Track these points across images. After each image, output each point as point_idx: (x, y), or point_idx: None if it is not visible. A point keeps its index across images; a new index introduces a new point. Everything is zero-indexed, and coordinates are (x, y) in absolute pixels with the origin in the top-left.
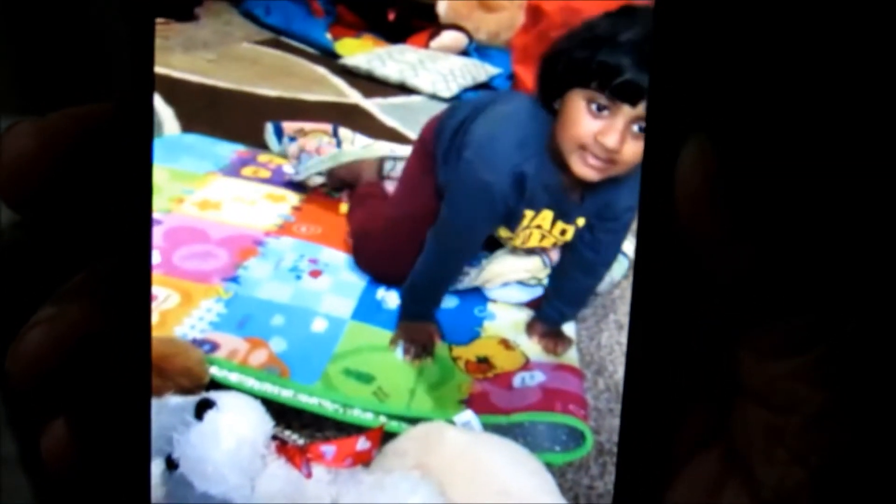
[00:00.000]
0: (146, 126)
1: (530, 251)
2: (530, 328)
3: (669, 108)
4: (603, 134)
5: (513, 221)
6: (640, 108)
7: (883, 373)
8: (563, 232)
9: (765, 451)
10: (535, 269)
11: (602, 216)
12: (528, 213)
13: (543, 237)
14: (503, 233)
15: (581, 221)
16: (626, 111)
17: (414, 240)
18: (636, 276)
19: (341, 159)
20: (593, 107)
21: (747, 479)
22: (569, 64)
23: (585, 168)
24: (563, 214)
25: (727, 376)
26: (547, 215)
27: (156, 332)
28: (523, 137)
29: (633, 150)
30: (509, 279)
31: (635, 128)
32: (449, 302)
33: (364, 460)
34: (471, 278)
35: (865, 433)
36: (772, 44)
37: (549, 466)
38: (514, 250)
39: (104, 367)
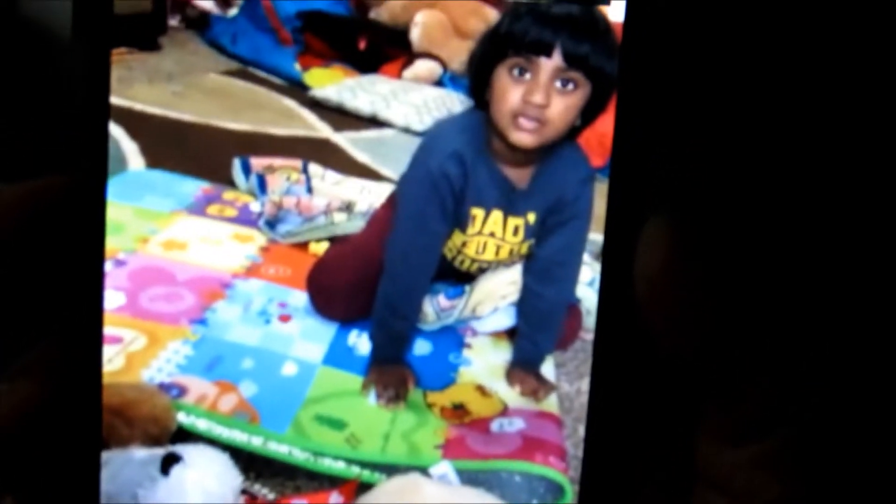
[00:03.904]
0: (99, 203)
1: (508, 265)
2: (510, 376)
3: (630, 191)
4: (529, 93)
5: (463, 218)
6: (556, 59)
7: (842, 460)
8: (515, 230)
9: None
10: (518, 280)
11: (552, 209)
12: (478, 213)
13: (499, 247)
14: (457, 238)
15: (532, 217)
16: (545, 66)
17: (374, 274)
18: (595, 360)
19: (336, 231)
20: (515, 72)
21: None
22: (485, 45)
23: (520, 133)
24: (511, 207)
25: (686, 463)
26: (497, 218)
27: (122, 376)
28: (461, 128)
29: (559, 106)
30: (497, 300)
31: (558, 84)
32: (423, 347)
33: None
34: (458, 310)
35: None
36: (729, 133)
37: None
38: (496, 267)
39: (53, 443)
